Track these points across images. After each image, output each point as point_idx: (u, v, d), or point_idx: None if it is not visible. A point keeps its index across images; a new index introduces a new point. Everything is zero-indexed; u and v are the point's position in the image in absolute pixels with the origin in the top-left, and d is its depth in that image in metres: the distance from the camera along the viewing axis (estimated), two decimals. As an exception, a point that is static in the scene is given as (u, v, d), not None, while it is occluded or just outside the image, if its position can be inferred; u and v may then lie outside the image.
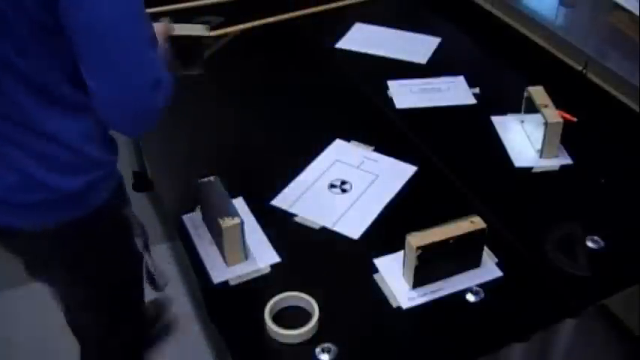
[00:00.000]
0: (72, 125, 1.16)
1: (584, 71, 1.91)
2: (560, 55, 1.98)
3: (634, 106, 1.76)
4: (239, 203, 1.42)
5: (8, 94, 1.10)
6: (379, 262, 1.32)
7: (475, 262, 1.30)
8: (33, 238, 1.24)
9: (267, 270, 1.31)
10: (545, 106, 1.56)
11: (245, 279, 1.29)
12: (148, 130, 1.16)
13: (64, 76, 1.12)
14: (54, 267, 1.34)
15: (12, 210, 1.20)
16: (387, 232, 1.39)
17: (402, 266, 1.28)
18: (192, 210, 1.44)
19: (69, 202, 1.21)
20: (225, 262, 1.31)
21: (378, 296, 1.26)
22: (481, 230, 1.25)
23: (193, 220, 1.42)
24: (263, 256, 1.33)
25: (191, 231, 1.40)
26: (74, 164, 1.18)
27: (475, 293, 1.26)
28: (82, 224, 1.24)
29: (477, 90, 1.79)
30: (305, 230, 1.40)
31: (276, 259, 1.33)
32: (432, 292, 1.26)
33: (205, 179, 1.36)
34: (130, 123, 1.13)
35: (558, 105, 1.57)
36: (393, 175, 1.53)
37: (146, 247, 1.41)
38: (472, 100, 1.78)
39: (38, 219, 1.21)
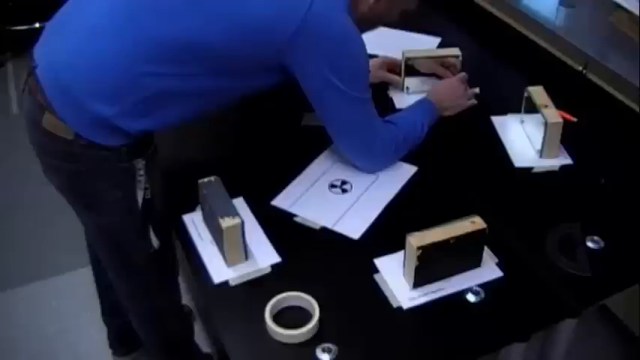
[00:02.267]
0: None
1: (584, 71, 1.91)
2: (560, 55, 1.98)
3: (634, 106, 1.75)
4: (239, 203, 1.42)
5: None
6: (379, 262, 1.32)
7: (475, 262, 1.30)
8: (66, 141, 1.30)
9: (268, 270, 1.31)
10: (545, 106, 1.56)
11: (245, 279, 1.29)
12: (387, 164, 1.53)
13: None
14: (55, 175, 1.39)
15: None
16: (387, 232, 1.39)
17: (402, 266, 1.28)
18: (192, 210, 1.44)
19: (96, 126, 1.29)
20: (226, 262, 1.31)
21: (378, 296, 1.26)
22: (481, 230, 1.25)
23: (193, 220, 1.42)
24: (263, 256, 1.33)
25: (191, 231, 1.40)
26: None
27: (475, 293, 1.26)
28: (89, 147, 1.30)
29: (477, 90, 1.79)
30: (305, 230, 1.40)
31: (276, 259, 1.33)
32: (433, 292, 1.26)
33: (205, 179, 1.36)
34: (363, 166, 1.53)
35: (558, 105, 1.57)
36: (393, 175, 1.53)
37: (148, 204, 1.39)
38: (472, 100, 1.77)
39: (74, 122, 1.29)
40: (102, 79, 1.27)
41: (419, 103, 1.62)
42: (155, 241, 1.43)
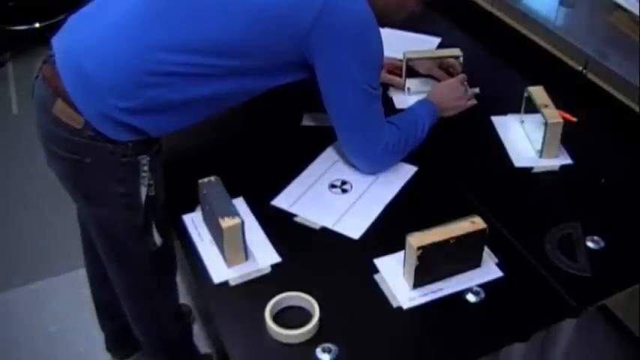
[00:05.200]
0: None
1: (584, 71, 1.91)
2: (560, 55, 1.98)
3: (634, 106, 1.76)
4: (239, 203, 1.42)
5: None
6: (379, 262, 1.32)
7: (475, 262, 1.30)
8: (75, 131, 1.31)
9: (268, 270, 1.31)
10: (545, 106, 1.56)
11: (245, 279, 1.29)
12: (379, 170, 1.53)
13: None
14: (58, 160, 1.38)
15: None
16: (387, 232, 1.39)
17: (402, 266, 1.28)
18: (192, 210, 1.44)
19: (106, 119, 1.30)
20: (226, 262, 1.31)
21: (378, 296, 1.26)
22: (481, 230, 1.25)
23: (193, 220, 1.42)
24: (263, 256, 1.33)
25: (191, 231, 1.40)
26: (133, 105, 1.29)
27: (475, 293, 1.26)
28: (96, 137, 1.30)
29: (476, 90, 1.79)
30: (305, 230, 1.40)
31: (276, 259, 1.33)
32: (433, 292, 1.26)
33: (205, 179, 1.36)
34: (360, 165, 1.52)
35: (558, 105, 1.57)
36: (393, 175, 1.53)
37: (151, 201, 1.40)
38: (472, 101, 1.77)
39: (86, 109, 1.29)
40: (124, 73, 1.28)
41: (419, 104, 1.62)
42: (158, 239, 1.44)
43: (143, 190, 1.37)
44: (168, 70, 1.28)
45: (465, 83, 1.73)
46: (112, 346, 2.01)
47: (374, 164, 1.52)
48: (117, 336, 1.98)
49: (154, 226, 1.42)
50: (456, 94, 1.70)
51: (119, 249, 1.47)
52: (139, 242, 1.44)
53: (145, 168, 1.35)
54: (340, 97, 1.41)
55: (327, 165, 1.56)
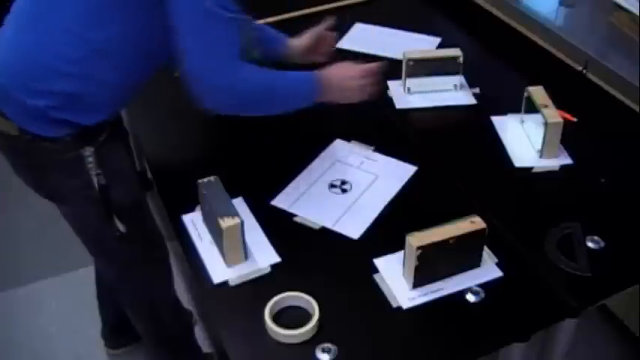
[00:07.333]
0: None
1: (584, 71, 1.91)
2: (560, 55, 1.98)
3: (634, 106, 1.76)
4: (239, 203, 1.42)
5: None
6: (379, 262, 1.32)
7: (475, 262, 1.30)
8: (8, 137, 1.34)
9: (267, 270, 1.31)
10: (545, 106, 1.56)
11: (245, 279, 1.29)
12: (219, 107, 1.36)
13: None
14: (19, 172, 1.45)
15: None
16: (387, 232, 1.39)
17: (402, 266, 1.28)
18: (192, 210, 1.44)
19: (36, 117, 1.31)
20: (225, 262, 1.31)
21: (378, 296, 1.26)
22: (481, 230, 1.25)
23: (193, 220, 1.42)
24: (263, 256, 1.33)
25: (191, 231, 1.40)
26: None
27: (475, 293, 1.26)
28: (33, 139, 1.32)
29: (477, 90, 1.79)
30: (305, 230, 1.40)
31: (276, 259, 1.33)
32: (432, 292, 1.26)
33: (205, 179, 1.36)
34: (199, 95, 1.32)
35: (558, 105, 1.57)
36: (393, 175, 1.53)
37: (103, 189, 1.40)
38: (472, 100, 1.78)
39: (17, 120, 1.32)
40: (30, 72, 1.29)
41: (304, 75, 1.46)
42: (121, 226, 1.45)
43: (94, 180, 1.38)
44: (68, 56, 1.27)
45: (374, 73, 1.52)
46: (106, 334, 2.03)
47: (211, 94, 1.33)
48: (113, 327, 1.99)
49: (114, 214, 1.43)
50: (348, 73, 1.49)
51: (92, 240, 1.51)
52: (105, 231, 1.45)
53: (90, 159, 1.36)
54: (183, 15, 1.26)
55: (327, 165, 1.56)
